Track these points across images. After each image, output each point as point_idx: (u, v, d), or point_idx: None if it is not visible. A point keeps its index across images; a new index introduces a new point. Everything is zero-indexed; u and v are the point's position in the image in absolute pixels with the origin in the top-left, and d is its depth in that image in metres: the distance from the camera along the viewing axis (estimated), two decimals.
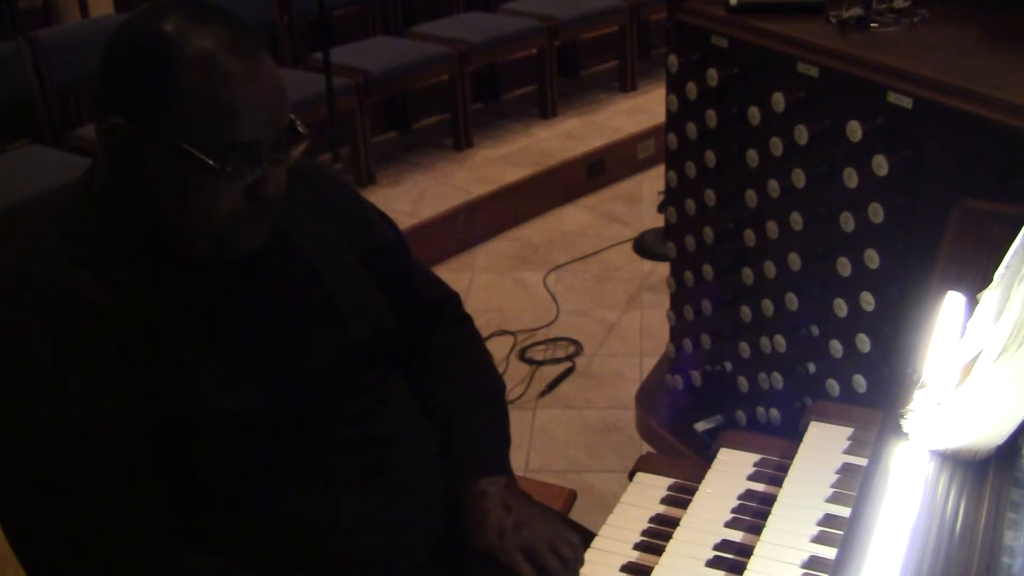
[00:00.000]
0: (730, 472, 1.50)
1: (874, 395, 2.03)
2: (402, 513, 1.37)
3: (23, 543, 1.19)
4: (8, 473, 1.17)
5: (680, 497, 1.48)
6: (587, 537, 1.42)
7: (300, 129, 1.26)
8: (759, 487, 1.47)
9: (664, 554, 1.35)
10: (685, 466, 1.57)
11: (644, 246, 4.01)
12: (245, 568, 1.26)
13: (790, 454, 1.48)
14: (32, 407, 1.16)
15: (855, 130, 1.94)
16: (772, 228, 2.19)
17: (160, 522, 1.21)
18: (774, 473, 1.48)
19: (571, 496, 1.70)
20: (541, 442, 2.97)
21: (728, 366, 2.47)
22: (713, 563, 1.33)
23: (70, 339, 1.17)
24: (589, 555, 1.36)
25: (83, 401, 1.17)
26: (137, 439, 1.20)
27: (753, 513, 1.41)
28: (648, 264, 3.92)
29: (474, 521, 1.36)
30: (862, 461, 1.40)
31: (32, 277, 1.20)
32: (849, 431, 1.50)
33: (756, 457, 1.53)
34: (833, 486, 1.40)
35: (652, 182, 4.45)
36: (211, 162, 1.18)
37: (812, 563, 1.27)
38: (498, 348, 3.40)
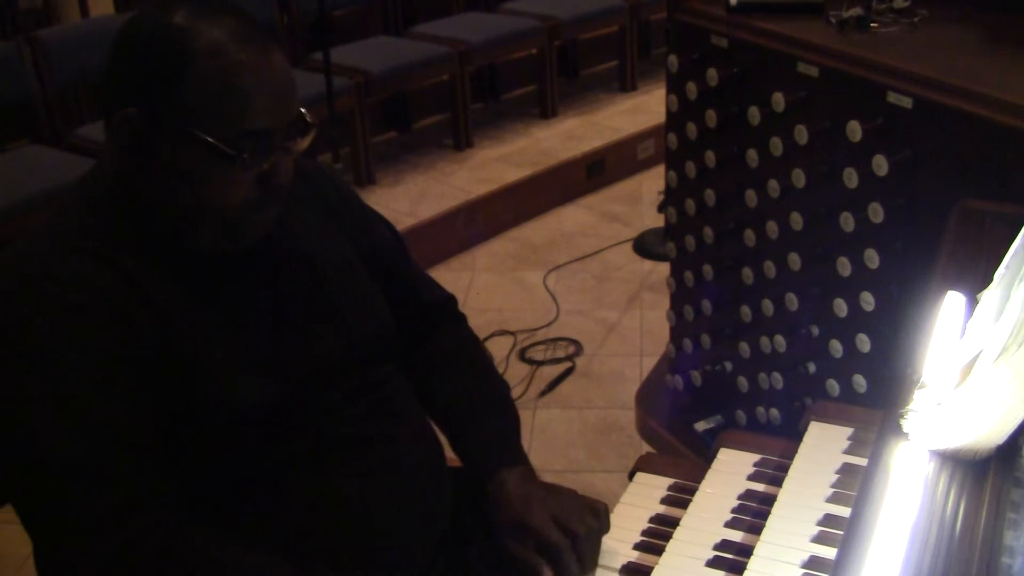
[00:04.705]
0: (730, 472, 1.50)
1: (874, 395, 2.03)
2: (405, 508, 1.38)
3: (45, 532, 1.19)
4: (27, 463, 1.17)
5: (680, 497, 1.48)
6: None
7: (308, 119, 1.28)
8: (759, 487, 1.47)
9: (664, 554, 1.35)
10: (685, 466, 1.57)
11: (644, 246, 4.01)
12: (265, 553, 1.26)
13: (790, 454, 1.48)
14: (48, 397, 1.16)
15: (855, 130, 1.94)
16: (772, 228, 2.19)
17: (178, 507, 1.22)
18: (774, 473, 1.48)
19: None
20: (541, 442, 2.97)
21: (728, 366, 2.47)
22: (713, 563, 1.33)
23: (83, 330, 1.18)
24: None
25: (98, 388, 1.17)
26: (152, 425, 1.21)
27: (753, 513, 1.41)
28: (648, 264, 3.91)
29: (501, 503, 1.37)
30: (862, 461, 1.40)
31: (42, 271, 1.21)
32: (849, 431, 1.50)
33: (756, 457, 1.53)
34: (833, 486, 1.39)
35: (652, 182, 4.45)
36: (227, 150, 1.19)
37: (812, 563, 1.27)
38: (498, 348, 3.40)
